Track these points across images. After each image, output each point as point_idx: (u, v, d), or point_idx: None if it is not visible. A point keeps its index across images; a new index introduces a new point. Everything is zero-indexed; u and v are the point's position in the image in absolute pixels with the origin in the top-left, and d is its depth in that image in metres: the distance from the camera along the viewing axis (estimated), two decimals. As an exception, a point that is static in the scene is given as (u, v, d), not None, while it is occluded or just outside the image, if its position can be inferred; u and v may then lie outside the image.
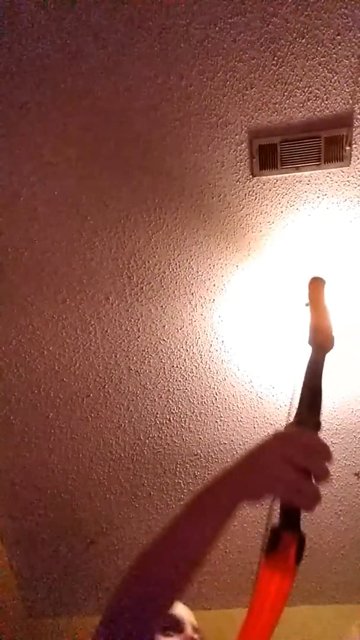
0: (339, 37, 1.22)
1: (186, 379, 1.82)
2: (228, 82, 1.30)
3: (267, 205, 1.49)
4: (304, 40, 1.23)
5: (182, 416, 1.90)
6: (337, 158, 1.39)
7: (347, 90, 1.30)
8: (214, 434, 1.92)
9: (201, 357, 1.77)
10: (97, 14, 1.22)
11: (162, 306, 1.69)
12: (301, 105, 1.33)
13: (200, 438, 1.93)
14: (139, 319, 1.72)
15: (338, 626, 2.16)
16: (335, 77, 1.28)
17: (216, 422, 1.89)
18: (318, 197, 1.47)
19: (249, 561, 2.14)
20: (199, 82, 1.31)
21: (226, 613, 2.22)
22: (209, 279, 1.63)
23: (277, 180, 1.45)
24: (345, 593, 2.19)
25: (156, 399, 1.87)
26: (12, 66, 1.30)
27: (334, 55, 1.25)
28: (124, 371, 1.82)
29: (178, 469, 2.00)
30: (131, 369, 1.82)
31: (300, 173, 1.43)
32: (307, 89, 1.30)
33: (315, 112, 1.34)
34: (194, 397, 1.85)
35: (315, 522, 2.05)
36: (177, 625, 0.89)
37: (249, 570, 2.16)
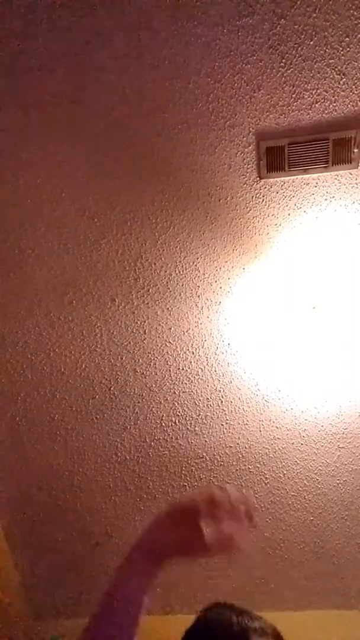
0: (347, 39, 1.22)
1: (192, 382, 1.81)
2: (236, 84, 1.30)
3: (274, 207, 1.49)
4: (312, 42, 1.23)
5: (187, 419, 1.89)
6: (345, 160, 1.38)
7: (355, 92, 1.29)
8: (220, 437, 1.91)
9: (207, 360, 1.77)
10: (104, 17, 1.22)
11: (168, 308, 1.69)
12: (309, 107, 1.32)
13: (205, 441, 1.92)
14: (145, 321, 1.72)
15: (344, 632, 2.14)
16: (344, 79, 1.28)
17: (222, 425, 1.89)
18: (326, 199, 1.46)
19: (254, 566, 2.13)
20: (206, 84, 1.30)
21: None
22: (215, 281, 1.63)
23: (284, 183, 1.44)
24: (352, 599, 2.17)
25: (162, 401, 1.86)
26: (18, 68, 1.31)
27: (343, 57, 1.24)
28: (130, 373, 1.82)
29: (183, 472, 1.99)
30: (137, 371, 1.81)
31: (307, 175, 1.42)
32: (315, 90, 1.30)
33: (324, 114, 1.33)
34: (199, 400, 1.85)
35: (321, 527, 2.03)
36: None
37: (254, 575, 2.14)
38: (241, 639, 0.83)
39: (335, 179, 1.43)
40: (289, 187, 1.45)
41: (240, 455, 1.93)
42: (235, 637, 0.83)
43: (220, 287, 1.63)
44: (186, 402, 1.86)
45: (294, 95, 1.31)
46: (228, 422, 1.88)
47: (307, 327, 1.65)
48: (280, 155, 1.38)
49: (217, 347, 1.74)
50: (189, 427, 1.91)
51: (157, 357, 1.78)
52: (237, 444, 1.91)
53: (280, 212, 1.49)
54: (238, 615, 0.88)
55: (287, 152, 1.37)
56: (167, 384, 1.83)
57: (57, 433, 1.96)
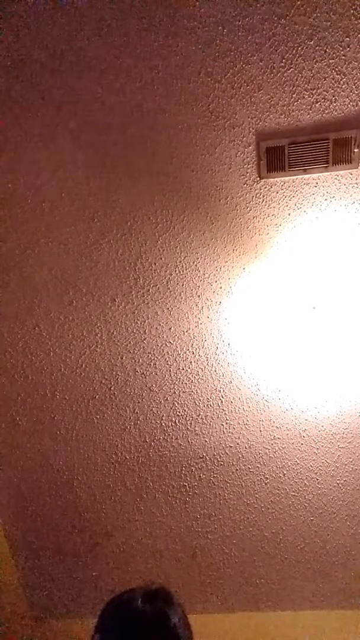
0: (347, 39, 1.22)
1: (192, 382, 1.82)
2: (236, 84, 1.30)
3: (274, 207, 1.49)
4: (312, 42, 1.23)
5: (187, 419, 1.89)
6: (346, 160, 1.38)
7: (355, 92, 1.29)
8: (220, 437, 1.91)
9: (207, 360, 1.77)
10: (105, 17, 1.22)
11: (168, 308, 1.69)
12: (309, 107, 1.32)
13: (205, 441, 1.93)
14: (145, 321, 1.72)
15: (345, 632, 2.14)
16: (344, 79, 1.28)
17: (222, 425, 1.89)
18: (326, 199, 1.46)
19: (254, 565, 2.13)
20: (206, 84, 1.31)
21: (230, 617, 2.21)
22: (216, 281, 1.63)
23: (284, 183, 1.44)
24: (352, 599, 2.17)
25: (162, 401, 1.87)
26: (20, 69, 1.31)
27: (343, 57, 1.25)
28: (130, 373, 1.82)
29: (183, 472, 1.99)
30: (137, 371, 1.81)
31: (308, 175, 1.42)
32: (315, 90, 1.30)
33: (324, 114, 1.33)
34: (199, 400, 1.85)
35: (321, 527, 2.03)
36: None
37: (254, 574, 2.14)
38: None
39: (335, 179, 1.43)
40: (289, 187, 1.45)
41: (240, 455, 1.93)
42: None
43: (221, 287, 1.63)
44: (186, 402, 1.86)
45: (294, 95, 1.31)
46: (228, 422, 1.88)
47: (307, 327, 1.65)
48: (280, 155, 1.38)
49: (217, 347, 1.74)
50: (189, 427, 1.91)
51: (157, 357, 1.78)
52: (237, 444, 1.91)
53: (280, 212, 1.49)
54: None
55: (287, 152, 1.37)
56: (167, 384, 1.83)
57: (57, 433, 1.96)
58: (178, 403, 1.86)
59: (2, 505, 2.13)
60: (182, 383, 1.82)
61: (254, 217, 1.51)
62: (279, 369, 1.75)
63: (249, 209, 1.49)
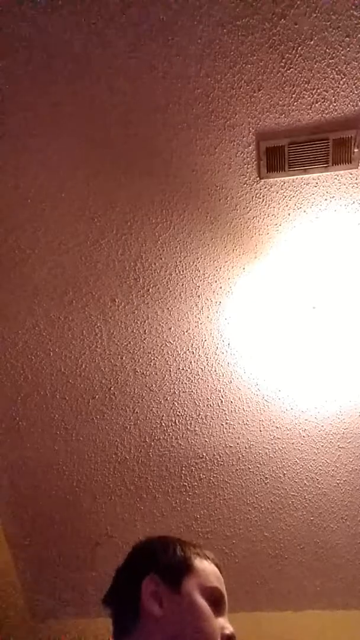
0: (347, 38, 1.22)
1: (192, 382, 1.82)
2: (236, 84, 1.30)
3: (274, 207, 1.49)
4: (312, 42, 1.23)
5: (187, 418, 1.89)
6: (345, 160, 1.38)
7: (355, 92, 1.29)
8: (220, 437, 1.91)
9: (207, 360, 1.77)
10: (104, 16, 1.22)
11: (168, 308, 1.69)
12: (309, 107, 1.32)
13: (205, 441, 1.93)
14: (145, 321, 1.72)
15: (344, 632, 2.14)
16: (344, 79, 1.28)
17: (222, 424, 1.89)
18: (326, 199, 1.46)
19: (254, 565, 2.13)
20: (206, 84, 1.30)
21: (230, 617, 2.21)
22: (215, 281, 1.63)
23: (284, 183, 1.44)
24: (352, 599, 2.17)
25: (162, 401, 1.87)
26: (18, 70, 1.31)
27: (343, 57, 1.24)
28: (130, 373, 1.82)
29: (183, 472, 1.99)
30: (137, 371, 1.81)
31: (307, 175, 1.42)
32: (315, 91, 1.30)
33: (324, 114, 1.33)
34: (199, 400, 1.85)
35: (321, 527, 2.03)
36: None
37: (254, 574, 2.14)
38: (183, 563, 0.84)
39: (335, 178, 1.43)
40: (288, 187, 1.45)
41: (240, 455, 1.93)
42: (178, 561, 0.84)
43: (220, 287, 1.63)
44: (186, 402, 1.86)
45: (294, 95, 1.30)
46: (228, 422, 1.88)
47: (307, 327, 1.65)
48: (280, 155, 1.38)
49: (217, 347, 1.74)
50: (188, 427, 1.91)
51: (157, 357, 1.78)
52: (237, 444, 1.91)
53: (280, 212, 1.49)
54: (180, 543, 0.89)
55: (287, 152, 1.37)
56: (167, 383, 1.83)
57: (56, 433, 1.96)
58: (178, 403, 1.86)
59: (2, 505, 2.13)
60: (182, 383, 1.82)
61: (254, 217, 1.51)
62: (279, 369, 1.75)
63: (249, 209, 1.49)
